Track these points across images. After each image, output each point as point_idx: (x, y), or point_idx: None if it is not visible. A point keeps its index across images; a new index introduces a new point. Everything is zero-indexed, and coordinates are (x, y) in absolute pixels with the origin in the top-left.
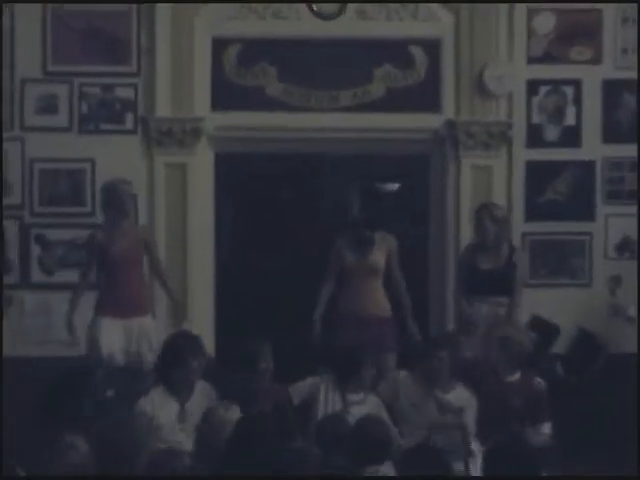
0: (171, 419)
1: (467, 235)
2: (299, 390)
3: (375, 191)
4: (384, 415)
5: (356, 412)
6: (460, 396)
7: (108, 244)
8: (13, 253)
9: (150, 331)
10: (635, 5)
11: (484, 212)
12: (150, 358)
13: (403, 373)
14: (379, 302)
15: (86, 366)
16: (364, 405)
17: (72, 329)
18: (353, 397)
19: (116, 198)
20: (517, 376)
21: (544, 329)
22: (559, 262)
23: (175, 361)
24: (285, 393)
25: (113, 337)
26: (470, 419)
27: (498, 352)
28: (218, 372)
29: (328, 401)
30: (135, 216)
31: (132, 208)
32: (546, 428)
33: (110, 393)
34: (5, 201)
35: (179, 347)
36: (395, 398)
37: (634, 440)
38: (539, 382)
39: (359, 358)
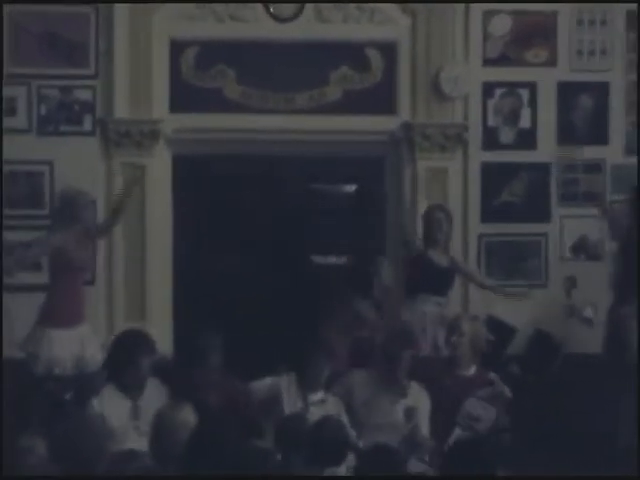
0: (124, 417)
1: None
2: (259, 389)
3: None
4: (343, 416)
5: (316, 412)
6: (414, 394)
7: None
8: None
9: (92, 337)
10: (590, 7)
11: (437, 210)
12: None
13: (358, 372)
14: None
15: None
16: (324, 405)
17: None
18: (313, 397)
19: (68, 208)
20: (472, 370)
21: (500, 330)
22: (515, 263)
23: (125, 359)
24: (243, 390)
25: (62, 346)
26: (423, 419)
27: (452, 347)
28: (172, 369)
29: (290, 401)
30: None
31: (87, 217)
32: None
33: (67, 396)
34: None
35: (128, 345)
36: (349, 398)
37: (590, 438)
38: (494, 376)
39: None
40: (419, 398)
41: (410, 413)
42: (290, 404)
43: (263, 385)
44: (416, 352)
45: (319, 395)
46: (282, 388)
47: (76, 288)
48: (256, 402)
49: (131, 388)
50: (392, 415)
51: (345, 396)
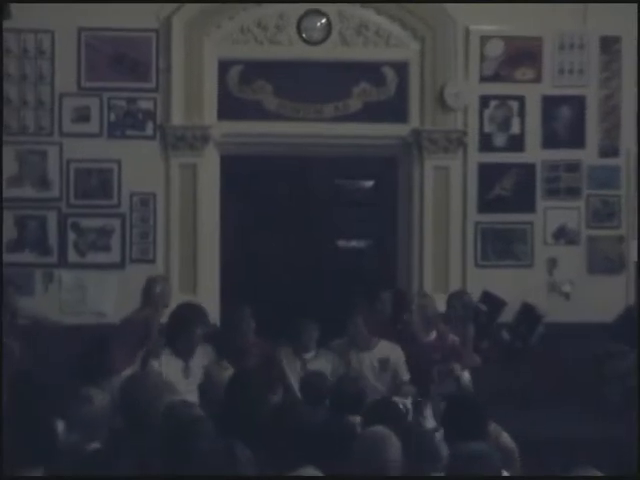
0: (177, 375)
1: (429, 226)
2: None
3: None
4: (339, 365)
5: (313, 367)
6: (384, 349)
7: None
8: (52, 238)
9: None
10: (570, 33)
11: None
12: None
13: (337, 341)
14: None
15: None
16: (317, 360)
17: None
18: (307, 355)
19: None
20: (433, 335)
21: (493, 302)
22: (506, 247)
23: (180, 328)
24: (271, 348)
25: None
26: (401, 368)
27: (412, 318)
28: (218, 336)
29: (290, 363)
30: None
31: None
32: (466, 375)
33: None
34: (46, 195)
35: (184, 316)
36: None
37: (566, 393)
38: (454, 339)
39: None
40: (390, 350)
41: (384, 363)
42: (291, 366)
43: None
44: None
45: (312, 353)
46: (283, 356)
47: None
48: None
49: (184, 352)
50: (365, 366)
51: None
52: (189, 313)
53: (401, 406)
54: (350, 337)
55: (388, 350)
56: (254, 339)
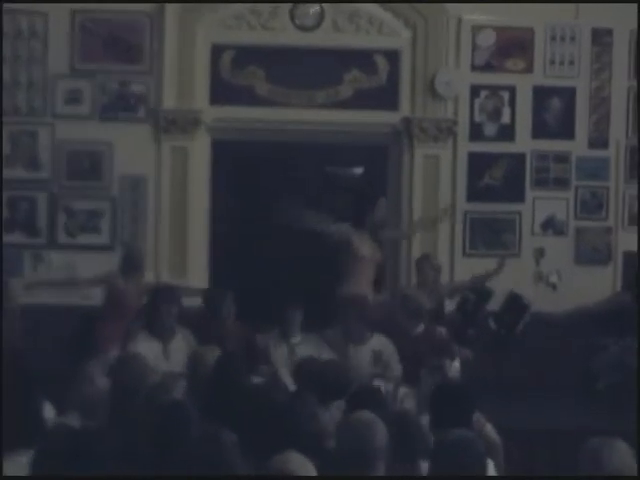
0: (157, 358)
1: (418, 215)
2: (260, 340)
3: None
4: (326, 351)
5: (300, 352)
6: (377, 342)
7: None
8: (42, 219)
9: None
10: (562, 25)
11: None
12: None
13: (327, 332)
14: None
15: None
16: (304, 345)
17: None
18: (294, 340)
19: (131, 258)
20: (421, 328)
21: (480, 291)
22: (494, 236)
23: (155, 307)
24: (251, 333)
25: None
26: (393, 361)
27: (401, 311)
28: (197, 320)
29: (277, 347)
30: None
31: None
32: (456, 365)
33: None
34: (37, 176)
35: (157, 296)
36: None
37: (550, 380)
38: (441, 332)
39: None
40: (383, 343)
41: (377, 356)
42: (278, 350)
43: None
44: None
45: (298, 338)
46: (270, 340)
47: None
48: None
49: (161, 332)
50: (359, 359)
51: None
52: (162, 293)
53: (382, 390)
54: (344, 329)
55: (382, 343)
56: (233, 324)
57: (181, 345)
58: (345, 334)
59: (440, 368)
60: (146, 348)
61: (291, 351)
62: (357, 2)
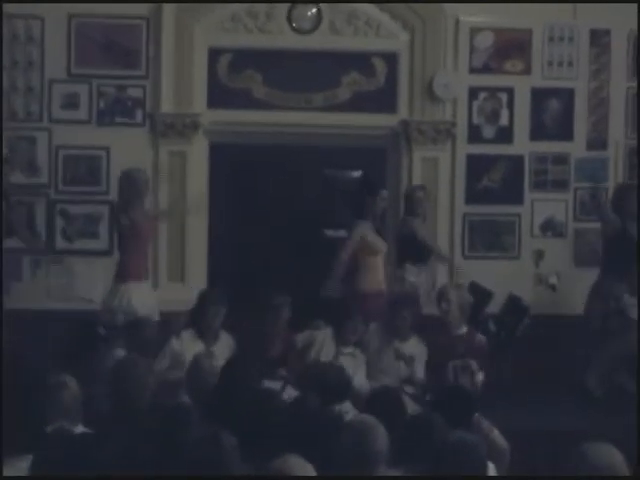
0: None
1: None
2: (300, 339)
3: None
4: (364, 367)
5: (345, 362)
6: (414, 346)
7: (126, 221)
8: (40, 224)
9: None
10: (560, 25)
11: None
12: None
13: (372, 325)
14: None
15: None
16: (353, 358)
17: None
18: (344, 349)
19: (132, 183)
20: (464, 330)
21: (480, 293)
22: (493, 238)
23: (202, 309)
24: (291, 339)
25: (142, 296)
26: (420, 366)
27: (448, 309)
28: (236, 322)
29: (322, 350)
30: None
31: (146, 191)
32: (480, 376)
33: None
34: (34, 181)
35: (205, 298)
36: (367, 346)
37: (548, 381)
38: (481, 338)
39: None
40: (418, 348)
41: (410, 360)
42: (323, 353)
43: (303, 336)
44: (417, 310)
45: (349, 349)
46: (318, 339)
47: (144, 251)
48: (299, 348)
49: (206, 333)
50: (396, 361)
51: (363, 344)
52: (209, 295)
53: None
54: (387, 325)
55: (417, 348)
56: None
57: (224, 350)
58: (390, 329)
59: (468, 369)
60: (190, 347)
61: (335, 358)
62: (355, 2)
